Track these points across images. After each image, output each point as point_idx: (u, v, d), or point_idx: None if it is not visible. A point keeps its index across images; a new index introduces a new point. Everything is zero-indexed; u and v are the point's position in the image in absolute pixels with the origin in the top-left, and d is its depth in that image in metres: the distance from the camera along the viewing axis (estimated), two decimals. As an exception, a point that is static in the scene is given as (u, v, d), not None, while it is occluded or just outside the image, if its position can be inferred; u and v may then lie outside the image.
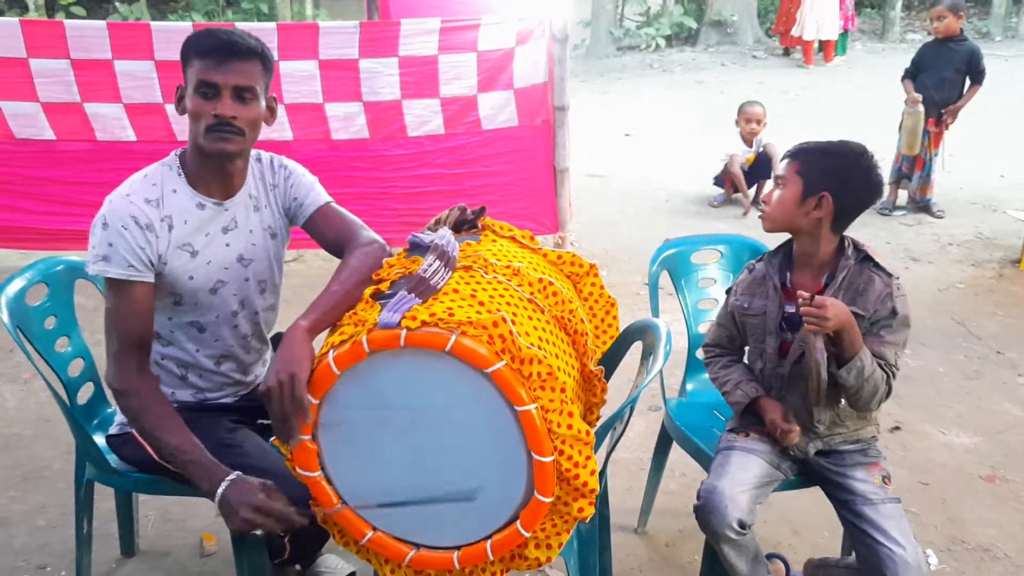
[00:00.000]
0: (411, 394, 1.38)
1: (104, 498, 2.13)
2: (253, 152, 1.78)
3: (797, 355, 1.78)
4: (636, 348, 1.78)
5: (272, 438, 1.58)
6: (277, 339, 1.91)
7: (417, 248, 1.60)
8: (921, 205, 5.23)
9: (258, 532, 1.54)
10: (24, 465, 2.65)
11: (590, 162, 6.16)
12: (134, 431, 1.74)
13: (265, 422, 1.81)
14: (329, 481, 1.46)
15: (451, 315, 1.33)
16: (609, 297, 1.76)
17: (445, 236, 1.56)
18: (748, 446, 1.84)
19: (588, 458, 1.37)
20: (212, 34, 1.64)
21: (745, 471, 1.78)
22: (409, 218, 4.04)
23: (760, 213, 1.86)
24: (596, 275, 1.75)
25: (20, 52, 3.72)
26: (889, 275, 1.76)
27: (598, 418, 1.65)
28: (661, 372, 1.70)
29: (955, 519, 2.40)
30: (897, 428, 2.86)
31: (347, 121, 4.00)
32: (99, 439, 1.92)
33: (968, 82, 4.90)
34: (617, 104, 8.91)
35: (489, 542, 1.43)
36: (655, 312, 2.20)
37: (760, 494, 1.78)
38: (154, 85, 3.81)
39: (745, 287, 1.91)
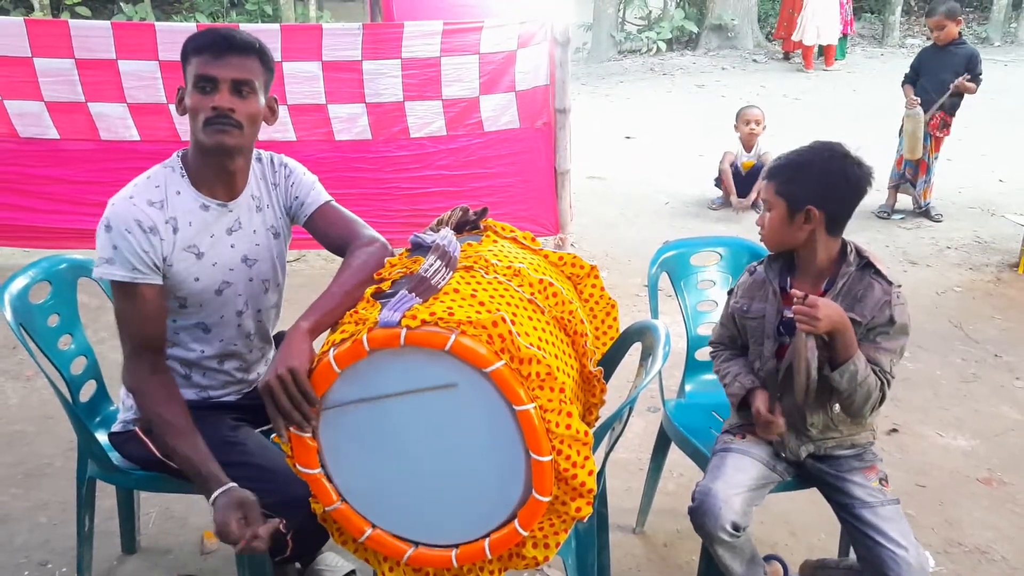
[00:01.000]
0: (411, 393, 1.39)
1: (105, 495, 2.14)
2: (254, 152, 1.79)
3: (792, 358, 1.79)
4: (635, 349, 1.79)
5: (273, 436, 1.59)
6: (280, 338, 1.93)
7: (419, 248, 1.61)
8: (921, 210, 5.24)
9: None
10: (26, 462, 2.66)
11: (591, 164, 6.17)
12: (138, 429, 1.75)
13: (268, 428, 1.82)
14: (329, 478, 1.48)
15: (451, 314, 1.35)
16: (609, 299, 1.77)
17: (447, 236, 1.57)
18: (744, 448, 1.85)
19: (586, 458, 1.38)
20: (211, 31, 1.66)
21: (741, 473, 1.78)
22: (411, 219, 4.05)
23: (759, 232, 1.85)
24: (597, 276, 1.76)
25: (25, 51, 3.73)
26: (890, 283, 1.75)
27: (597, 418, 1.66)
28: (660, 373, 1.71)
29: (952, 521, 2.41)
30: (895, 430, 2.87)
31: (350, 122, 4.02)
32: (101, 437, 1.93)
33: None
34: (618, 107, 8.92)
35: (487, 541, 1.44)
36: (654, 313, 2.21)
37: (756, 496, 1.79)
38: (158, 85, 3.82)
39: (745, 290, 1.92)
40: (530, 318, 1.46)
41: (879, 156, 5.61)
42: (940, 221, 5.17)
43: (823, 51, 10.66)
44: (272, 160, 1.85)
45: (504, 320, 1.34)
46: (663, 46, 11.86)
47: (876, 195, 5.50)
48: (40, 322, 1.95)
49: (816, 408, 1.79)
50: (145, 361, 1.66)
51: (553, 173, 4.29)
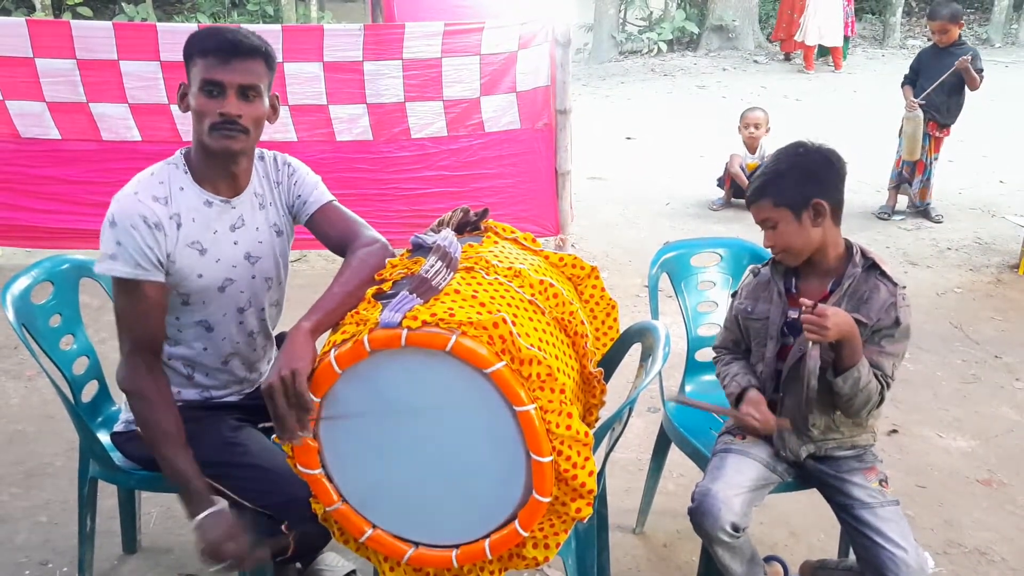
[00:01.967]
0: (411, 393, 1.40)
1: (107, 495, 2.15)
2: (256, 150, 1.79)
3: (795, 359, 1.79)
4: (635, 350, 1.79)
5: (274, 436, 1.60)
6: (282, 338, 1.93)
7: (420, 249, 1.61)
8: (920, 210, 5.25)
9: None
10: (27, 462, 2.67)
11: (591, 165, 6.17)
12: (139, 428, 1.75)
13: (267, 425, 1.83)
14: (330, 479, 1.48)
15: (452, 315, 1.35)
16: (610, 299, 1.77)
17: (448, 237, 1.57)
18: (744, 448, 1.85)
19: (586, 459, 1.38)
20: (217, 33, 1.65)
21: (740, 474, 1.79)
22: (411, 219, 4.05)
23: (773, 252, 1.82)
24: (597, 277, 1.77)
25: (26, 52, 3.74)
26: (895, 284, 1.75)
27: (597, 419, 1.66)
28: (660, 374, 1.72)
29: (952, 522, 2.41)
30: (894, 431, 2.88)
31: (351, 123, 4.02)
32: (103, 437, 1.93)
33: (966, 88, 4.92)
34: (619, 108, 8.92)
35: (488, 541, 1.44)
36: (654, 314, 2.21)
37: (755, 497, 1.79)
38: (159, 86, 3.82)
39: (749, 291, 1.92)
40: (531, 319, 1.46)
41: (879, 157, 5.66)
42: (940, 222, 5.17)
43: (828, 53, 10.65)
44: (276, 159, 1.85)
45: (505, 321, 1.34)
46: (664, 47, 11.86)
47: (876, 196, 5.52)
48: (42, 322, 1.95)
49: (820, 410, 1.79)
50: (142, 361, 1.65)
51: (554, 174, 4.29)
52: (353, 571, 2.07)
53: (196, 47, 1.65)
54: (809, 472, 1.86)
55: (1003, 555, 2.28)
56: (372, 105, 3.99)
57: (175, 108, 3.79)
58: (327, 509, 1.50)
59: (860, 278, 1.76)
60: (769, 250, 1.82)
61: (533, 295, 1.52)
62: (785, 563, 2.08)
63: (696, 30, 12.12)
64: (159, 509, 2.40)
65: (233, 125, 1.63)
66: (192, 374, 1.82)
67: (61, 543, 2.27)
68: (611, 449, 1.76)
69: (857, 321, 1.69)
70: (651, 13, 12.30)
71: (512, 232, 1.77)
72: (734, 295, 1.99)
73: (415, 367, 1.37)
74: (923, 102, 4.85)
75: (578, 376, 1.56)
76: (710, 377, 2.17)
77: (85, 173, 3.99)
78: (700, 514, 1.72)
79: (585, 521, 1.46)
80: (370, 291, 1.51)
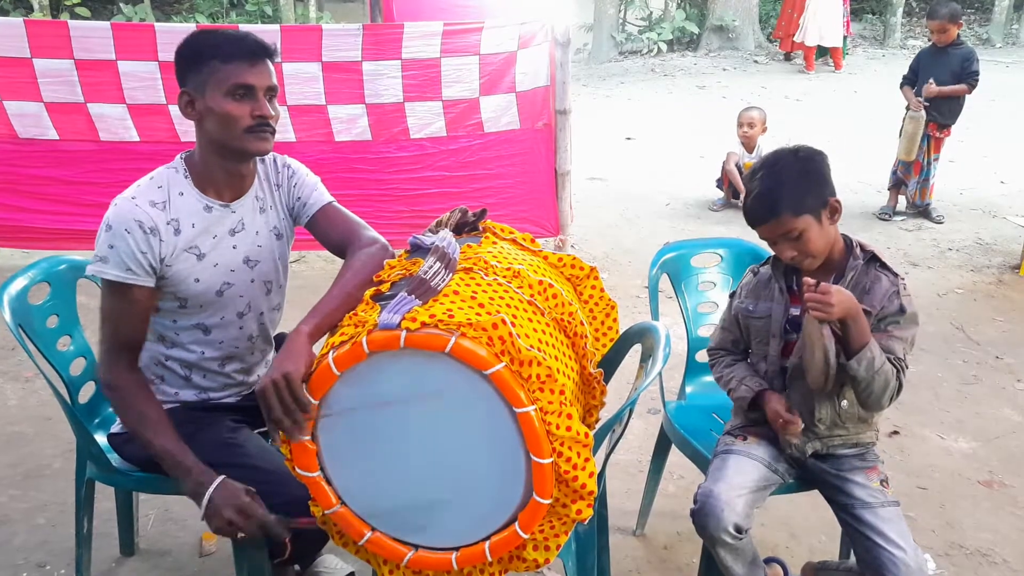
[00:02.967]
0: (410, 395, 1.39)
1: (104, 497, 2.13)
2: None
3: (800, 354, 1.78)
4: (635, 351, 1.78)
5: (272, 440, 1.59)
6: (281, 339, 1.93)
7: (418, 250, 1.61)
8: (921, 210, 5.24)
9: (239, 535, 1.58)
10: (25, 463, 2.66)
11: (591, 165, 6.17)
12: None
13: (265, 429, 1.82)
14: (328, 481, 1.47)
15: (451, 316, 1.34)
16: (609, 300, 1.76)
17: (446, 238, 1.57)
18: (746, 449, 1.85)
19: (587, 460, 1.37)
20: (239, 37, 1.66)
21: (742, 475, 1.78)
22: (410, 220, 4.05)
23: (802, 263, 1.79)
24: (597, 278, 1.76)
25: (24, 52, 3.73)
26: (895, 274, 1.77)
27: (597, 420, 1.65)
28: (660, 375, 1.71)
29: (953, 524, 2.41)
30: (896, 433, 2.87)
31: (350, 123, 4.01)
32: (100, 438, 1.92)
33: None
34: (618, 108, 8.92)
35: (487, 543, 1.43)
36: (655, 315, 2.21)
37: (757, 498, 1.78)
38: (158, 86, 3.82)
39: (750, 290, 1.92)
40: (530, 320, 1.45)
41: (880, 158, 5.65)
42: (941, 223, 5.16)
43: (828, 53, 10.64)
44: (275, 161, 1.85)
45: (504, 322, 1.33)
46: (664, 47, 11.86)
47: (877, 197, 5.51)
48: (39, 323, 1.94)
49: (825, 401, 1.79)
50: (123, 358, 1.68)
51: (553, 174, 4.28)
52: (352, 573, 2.06)
53: (215, 51, 1.64)
54: (811, 472, 1.85)
55: (1005, 557, 2.27)
56: (371, 105, 3.98)
57: (173, 108, 3.80)
58: (326, 512, 1.49)
59: (861, 270, 1.77)
60: (790, 261, 1.78)
61: (532, 296, 1.51)
62: (786, 565, 2.08)
63: (696, 30, 12.12)
64: (157, 511, 2.40)
65: (267, 126, 1.67)
66: (189, 375, 1.82)
67: (59, 545, 2.26)
68: (611, 450, 1.75)
69: (862, 311, 1.69)
70: (651, 13, 12.30)
71: (510, 232, 1.76)
72: (732, 295, 1.99)
73: (414, 368, 1.37)
74: (927, 103, 4.85)
75: (578, 377, 1.55)
76: (710, 378, 2.16)
77: (83, 173, 3.98)
78: (703, 515, 1.71)
79: (585, 523, 1.45)
80: (368, 292, 1.50)
